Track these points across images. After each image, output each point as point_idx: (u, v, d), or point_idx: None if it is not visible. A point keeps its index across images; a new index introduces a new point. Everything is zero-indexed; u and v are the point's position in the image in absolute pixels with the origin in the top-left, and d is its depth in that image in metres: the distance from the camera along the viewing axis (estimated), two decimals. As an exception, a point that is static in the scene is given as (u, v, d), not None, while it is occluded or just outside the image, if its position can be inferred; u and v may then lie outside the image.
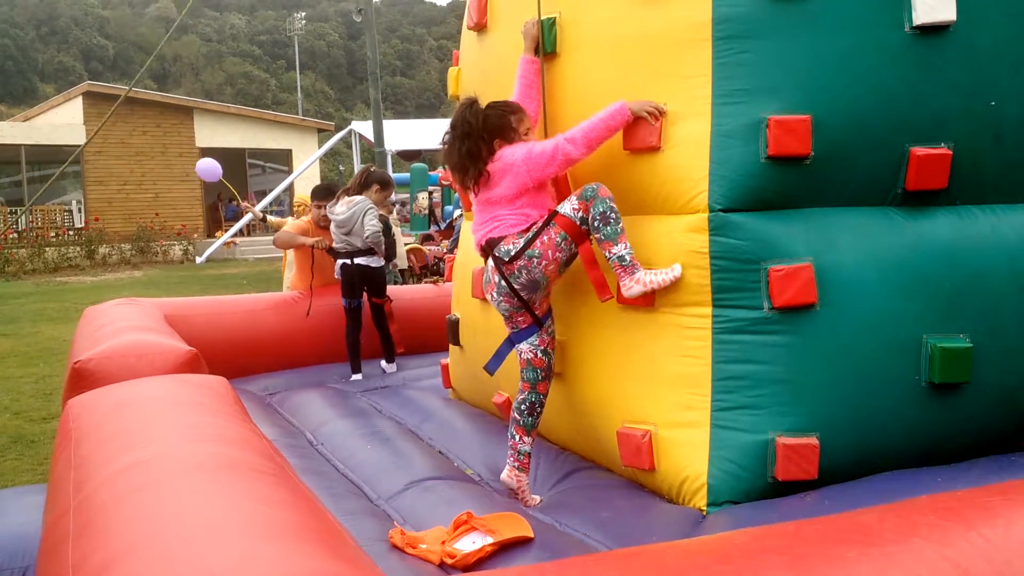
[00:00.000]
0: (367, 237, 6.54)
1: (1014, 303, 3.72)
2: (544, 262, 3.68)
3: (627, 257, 3.58)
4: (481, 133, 3.76)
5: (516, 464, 3.85)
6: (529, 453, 3.88)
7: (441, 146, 3.97)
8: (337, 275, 6.82)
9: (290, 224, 7.82)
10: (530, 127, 3.89)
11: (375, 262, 6.73)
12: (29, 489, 4.48)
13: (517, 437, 3.88)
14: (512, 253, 3.70)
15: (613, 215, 3.60)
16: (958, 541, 2.10)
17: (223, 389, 3.47)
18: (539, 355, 3.86)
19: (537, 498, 3.82)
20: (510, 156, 3.72)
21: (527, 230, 3.72)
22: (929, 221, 3.65)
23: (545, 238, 3.67)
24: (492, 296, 3.89)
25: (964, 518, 2.22)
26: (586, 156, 3.66)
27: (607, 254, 3.61)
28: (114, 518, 2.12)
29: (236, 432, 2.81)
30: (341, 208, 6.60)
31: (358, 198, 6.66)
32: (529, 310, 3.81)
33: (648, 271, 3.57)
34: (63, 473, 2.69)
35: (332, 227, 6.70)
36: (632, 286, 3.57)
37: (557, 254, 3.68)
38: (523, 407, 3.88)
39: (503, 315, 3.91)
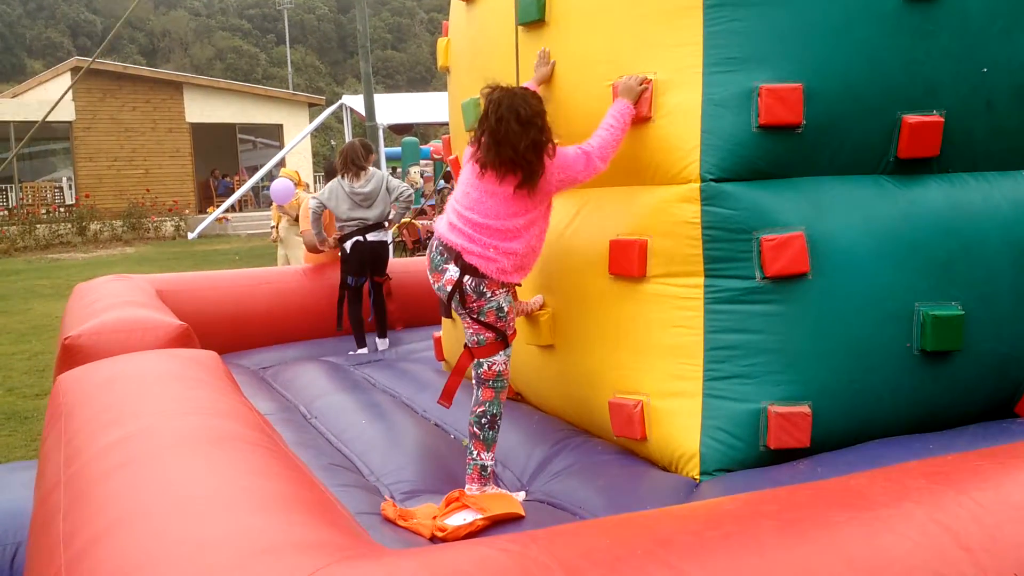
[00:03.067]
0: (404, 196, 6.76)
1: (1006, 271, 3.72)
2: (474, 322, 3.61)
3: (487, 469, 3.59)
4: (539, 116, 3.46)
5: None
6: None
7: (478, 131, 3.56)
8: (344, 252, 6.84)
9: (303, 209, 7.82)
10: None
11: (384, 236, 6.80)
12: (22, 465, 4.48)
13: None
14: (482, 296, 3.54)
15: (499, 423, 3.64)
16: (949, 504, 2.11)
17: (214, 363, 3.46)
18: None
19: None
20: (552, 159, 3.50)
21: (507, 287, 3.58)
22: (921, 189, 3.64)
23: (485, 327, 3.59)
24: (434, 282, 3.66)
25: (955, 482, 2.23)
26: (606, 162, 3.56)
27: (473, 454, 3.59)
28: (104, 492, 2.12)
29: (227, 405, 2.81)
30: (362, 184, 6.65)
31: (372, 169, 6.78)
32: (496, 329, 3.62)
33: (491, 489, 3.56)
34: (53, 448, 2.69)
35: (344, 208, 6.67)
36: (470, 489, 3.55)
37: (472, 330, 3.63)
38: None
39: (462, 320, 3.70)
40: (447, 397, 3.79)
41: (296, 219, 10.39)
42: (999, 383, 3.80)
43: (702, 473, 3.39)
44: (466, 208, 3.55)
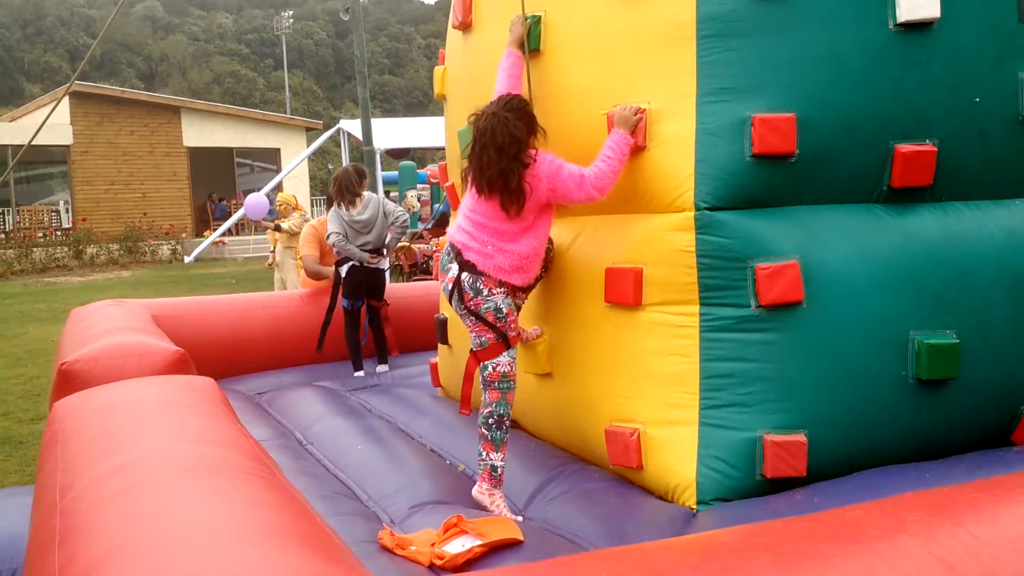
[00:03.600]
0: (400, 222, 6.82)
1: (1001, 300, 3.73)
2: (476, 322, 3.76)
3: (498, 469, 3.71)
4: (514, 145, 3.63)
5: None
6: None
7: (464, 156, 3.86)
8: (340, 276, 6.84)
9: (305, 233, 7.83)
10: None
11: (383, 264, 6.82)
12: (17, 490, 4.46)
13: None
14: (479, 294, 3.70)
15: (507, 423, 3.75)
16: (945, 537, 2.11)
17: (210, 390, 3.46)
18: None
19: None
20: (536, 167, 3.64)
21: (506, 287, 3.73)
22: (915, 218, 3.66)
23: (487, 326, 3.73)
24: (449, 292, 3.81)
25: (951, 514, 2.23)
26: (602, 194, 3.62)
27: (484, 455, 3.72)
28: (100, 521, 2.11)
29: (223, 433, 2.80)
30: (359, 211, 6.67)
31: (367, 195, 6.80)
32: (496, 330, 3.75)
33: (503, 498, 3.68)
34: (50, 475, 2.68)
35: (340, 239, 6.66)
36: (483, 496, 3.69)
37: (474, 333, 3.79)
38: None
39: (464, 322, 3.85)
40: (466, 405, 3.96)
41: (293, 236, 10.41)
42: (995, 411, 3.80)
43: (699, 502, 3.38)
44: (470, 209, 3.78)
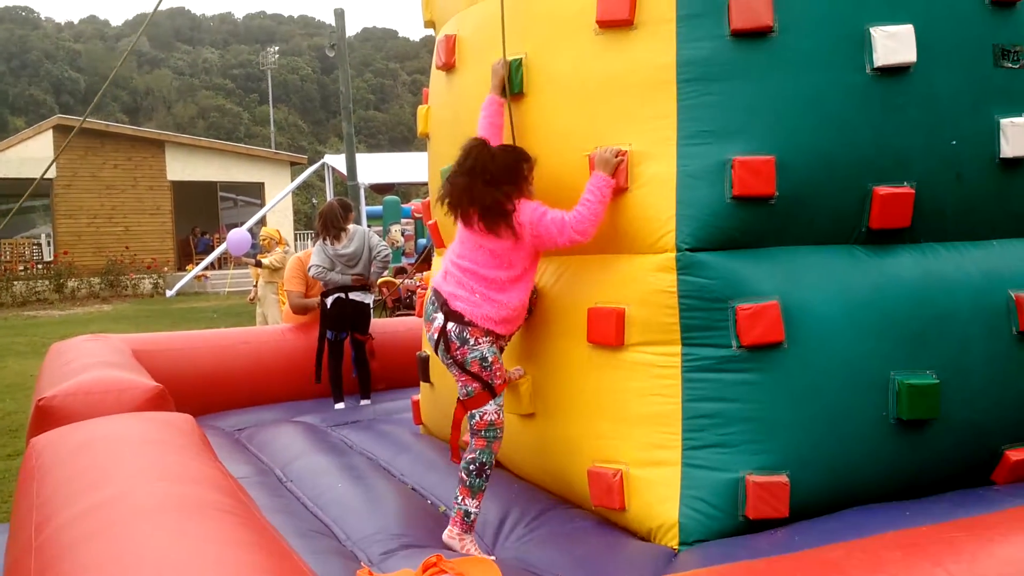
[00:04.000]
0: (382, 256, 6.87)
1: (979, 339, 3.76)
2: (460, 371, 3.74)
3: (471, 516, 3.68)
4: (502, 176, 3.65)
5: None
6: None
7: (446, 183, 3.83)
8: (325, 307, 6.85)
9: (290, 267, 7.84)
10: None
11: (367, 298, 6.84)
12: (-8, 529, 4.40)
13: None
14: (465, 343, 3.66)
15: (488, 472, 3.72)
16: (924, 578, 2.11)
17: (188, 427, 3.44)
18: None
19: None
20: (519, 215, 3.64)
21: (492, 335, 3.70)
22: (894, 259, 3.69)
23: (472, 378, 3.71)
24: (427, 333, 3.82)
25: (930, 554, 2.24)
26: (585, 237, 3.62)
27: (459, 500, 3.68)
28: (76, 560, 2.09)
29: (200, 471, 2.78)
30: (344, 244, 6.73)
31: (352, 228, 6.86)
32: (482, 380, 3.72)
33: (473, 543, 3.64)
34: (26, 513, 2.66)
35: (320, 270, 6.72)
36: (454, 540, 3.65)
37: (460, 382, 3.77)
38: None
39: (450, 372, 3.81)
40: (456, 455, 3.95)
41: (275, 271, 10.40)
42: (975, 451, 3.82)
43: (681, 543, 3.37)
44: (458, 256, 3.75)
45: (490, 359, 3.69)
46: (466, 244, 3.74)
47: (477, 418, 3.72)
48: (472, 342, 3.65)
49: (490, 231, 3.63)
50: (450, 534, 3.68)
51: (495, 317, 3.66)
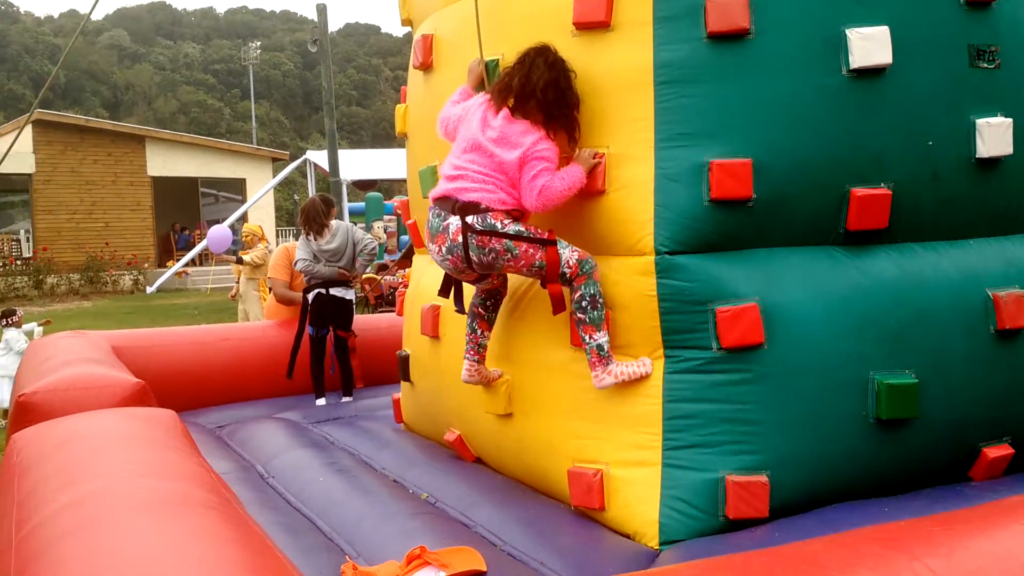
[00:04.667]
0: (368, 250, 6.87)
1: (958, 339, 3.79)
2: (513, 263, 3.55)
3: (605, 347, 3.52)
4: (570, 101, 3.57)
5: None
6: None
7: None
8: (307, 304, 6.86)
9: (276, 256, 7.83)
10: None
11: (348, 294, 6.85)
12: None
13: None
14: (493, 229, 3.48)
15: (601, 300, 3.52)
16: (902, 571, 2.14)
17: (171, 422, 3.44)
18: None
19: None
20: (531, 136, 3.53)
21: (514, 215, 3.53)
22: (872, 260, 3.72)
23: (530, 251, 3.51)
24: (438, 250, 3.61)
25: (908, 548, 2.26)
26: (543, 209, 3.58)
27: (587, 339, 3.51)
28: (57, 557, 2.09)
29: (183, 467, 2.78)
30: (327, 240, 6.74)
31: (335, 223, 6.86)
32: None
33: (621, 363, 3.51)
34: (6, 509, 2.66)
35: (307, 263, 6.73)
36: (604, 378, 3.50)
37: (525, 270, 3.58)
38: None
39: (484, 272, 3.65)
40: (560, 308, 3.65)
41: (255, 268, 10.39)
42: (953, 449, 3.85)
43: (661, 544, 3.38)
44: (464, 161, 3.59)
45: (524, 228, 3.54)
46: (474, 148, 3.59)
47: (567, 270, 3.51)
48: (500, 225, 3.49)
49: (532, 111, 3.53)
50: (597, 377, 3.52)
51: (510, 201, 3.54)
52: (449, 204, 3.54)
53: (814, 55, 3.52)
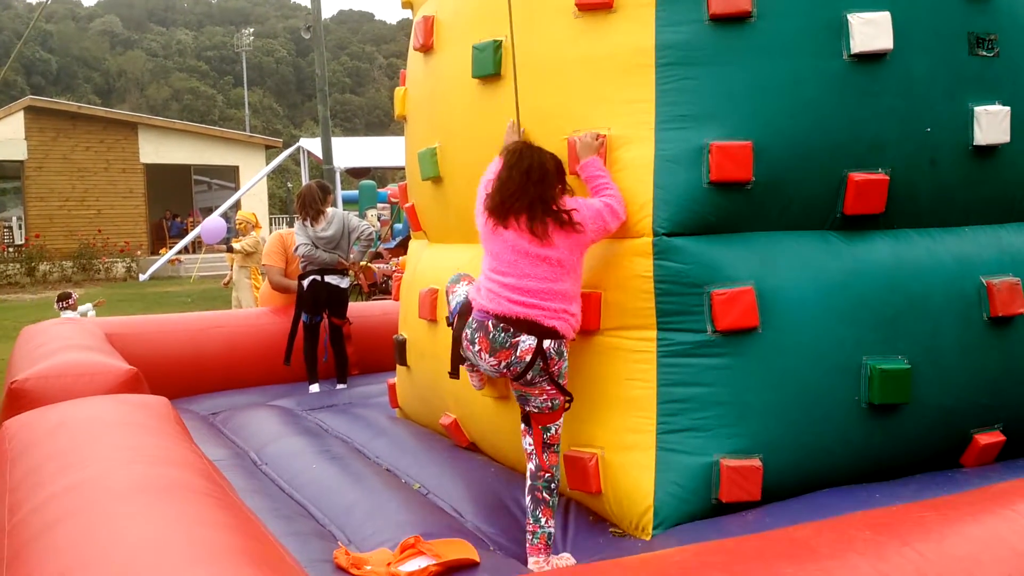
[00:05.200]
0: (366, 235, 6.90)
1: (951, 325, 3.80)
2: (540, 390, 3.39)
3: (551, 537, 3.41)
4: (551, 179, 3.42)
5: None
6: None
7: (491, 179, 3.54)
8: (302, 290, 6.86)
9: (270, 243, 7.80)
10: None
11: (343, 282, 6.84)
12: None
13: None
14: (562, 356, 3.39)
15: (557, 487, 3.47)
16: (893, 556, 2.15)
17: (163, 409, 3.43)
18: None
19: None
20: (580, 210, 3.39)
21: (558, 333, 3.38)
22: (868, 245, 3.72)
23: (555, 392, 3.42)
24: (497, 363, 3.40)
25: (899, 533, 2.27)
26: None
27: (543, 522, 3.38)
28: (49, 542, 2.08)
29: (175, 453, 2.78)
30: (323, 227, 6.74)
31: (331, 211, 6.87)
32: (563, 391, 3.44)
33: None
34: (-3, 496, 2.64)
35: (308, 248, 6.72)
36: (544, 565, 3.33)
37: (540, 399, 3.42)
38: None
39: (529, 390, 3.46)
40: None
41: (248, 256, 10.37)
42: (945, 434, 3.87)
43: (655, 526, 3.39)
44: (520, 278, 3.38)
45: (565, 369, 3.47)
46: (519, 261, 3.38)
47: (553, 431, 3.46)
48: (564, 354, 3.41)
49: (546, 236, 3.33)
50: (538, 563, 3.37)
51: (575, 327, 3.44)
52: (523, 324, 3.35)
53: (815, 39, 3.53)
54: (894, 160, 3.68)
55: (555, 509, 3.45)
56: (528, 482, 3.47)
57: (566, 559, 3.42)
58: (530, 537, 3.40)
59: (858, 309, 3.62)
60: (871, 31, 3.51)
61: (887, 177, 3.64)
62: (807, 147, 3.54)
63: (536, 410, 3.45)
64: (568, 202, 3.42)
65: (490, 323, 3.38)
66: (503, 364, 3.37)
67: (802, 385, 3.53)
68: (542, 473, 3.44)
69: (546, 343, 3.33)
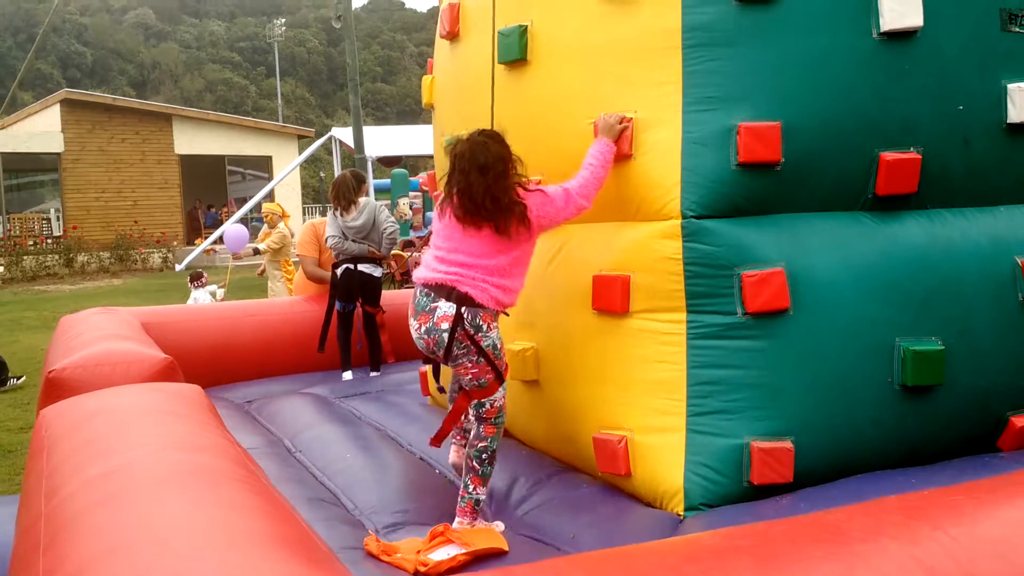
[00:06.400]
0: (389, 234, 6.87)
1: (985, 306, 3.76)
2: (467, 365, 3.55)
3: (481, 504, 3.61)
4: (499, 161, 3.52)
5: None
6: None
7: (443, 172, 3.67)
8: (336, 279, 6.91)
9: (302, 233, 7.87)
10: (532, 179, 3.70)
11: (376, 271, 6.87)
12: (5, 500, 4.45)
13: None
14: (479, 330, 3.49)
15: (495, 460, 3.64)
16: (925, 540, 2.13)
17: (197, 397, 3.47)
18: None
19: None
20: (530, 203, 3.51)
21: (494, 317, 3.55)
22: (900, 225, 3.68)
23: (485, 369, 3.54)
24: (418, 327, 3.58)
25: (931, 517, 2.25)
26: (590, 201, 3.59)
27: (471, 489, 3.57)
28: (86, 526, 2.12)
29: (209, 440, 2.81)
30: (353, 217, 6.76)
31: (363, 200, 6.88)
32: (495, 368, 3.57)
33: (466, 529, 3.50)
34: (35, 482, 2.69)
35: (337, 240, 6.77)
36: (463, 523, 3.54)
37: (469, 376, 3.57)
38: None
39: (458, 363, 3.59)
40: (438, 440, 3.75)
41: (277, 252, 10.45)
42: (980, 417, 3.83)
43: (686, 509, 3.39)
44: (450, 251, 3.56)
45: (499, 345, 3.59)
46: (454, 235, 3.56)
47: (488, 406, 3.60)
48: (485, 328, 3.50)
49: (505, 230, 3.47)
50: (461, 524, 3.55)
51: (503, 300, 3.54)
52: (444, 291, 3.51)
53: (844, 17, 3.48)
54: (926, 139, 3.63)
55: (485, 479, 3.62)
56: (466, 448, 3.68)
57: (498, 527, 3.57)
58: (459, 500, 3.61)
59: (891, 290, 3.58)
60: (900, 8, 3.47)
61: (919, 156, 3.60)
62: (837, 127, 3.50)
63: (468, 387, 3.62)
64: (524, 193, 3.52)
65: (418, 290, 3.62)
66: (423, 329, 3.56)
67: (834, 367, 3.50)
68: (476, 443, 3.63)
69: (463, 310, 3.47)
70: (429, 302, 3.54)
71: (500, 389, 3.62)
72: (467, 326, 3.47)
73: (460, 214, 3.53)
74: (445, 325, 3.48)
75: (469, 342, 3.49)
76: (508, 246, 3.52)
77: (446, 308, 3.48)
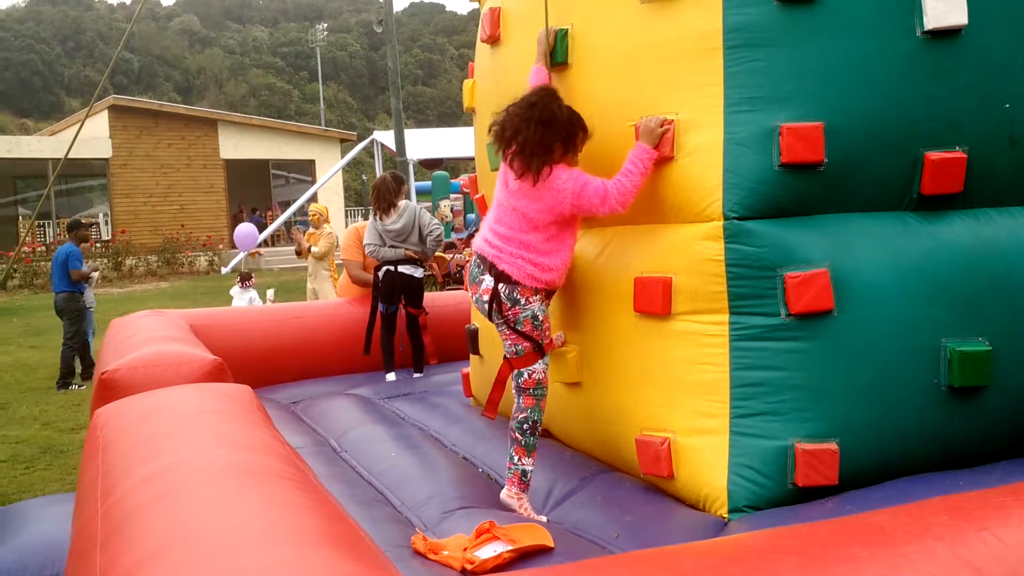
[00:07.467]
0: (435, 236, 6.94)
1: (1034, 306, 3.71)
2: (507, 333, 3.87)
3: (528, 475, 3.81)
4: (560, 130, 3.70)
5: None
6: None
7: (499, 116, 3.85)
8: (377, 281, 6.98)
9: (346, 238, 7.97)
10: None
11: (417, 272, 6.92)
12: (59, 498, 4.57)
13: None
14: (516, 303, 3.77)
15: (539, 430, 3.83)
16: (971, 541, 2.11)
17: (247, 397, 3.52)
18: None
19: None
20: (561, 180, 3.69)
21: (534, 292, 3.78)
22: (945, 225, 3.65)
23: (523, 340, 3.81)
24: (474, 295, 3.91)
25: (977, 518, 2.23)
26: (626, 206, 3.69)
27: (516, 460, 3.80)
28: (141, 523, 2.17)
29: (260, 439, 2.86)
30: (392, 220, 6.82)
31: (403, 203, 6.93)
32: (532, 339, 3.82)
33: (528, 504, 3.78)
34: (91, 480, 2.75)
35: (373, 248, 6.85)
36: (511, 500, 3.79)
37: (508, 342, 3.87)
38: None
39: (500, 332, 3.91)
40: (491, 409, 4.07)
41: (322, 256, 10.59)
42: (1028, 419, 3.77)
43: (730, 511, 3.38)
44: (495, 222, 3.85)
45: (540, 317, 3.79)
46: (502, 208, 3.83)
47: (526, 376, 3.82)
48: (523, 302, 3.75)
49: (523, 171, 3.68)
50: (508, 494, 3.79)
51: (540, 277, 3.74)
52: (487, 264, 3.83)
53: (887, 16, 3.45)
54: (972, 138, 3.59)
55: (529, 449, 3.80)
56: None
57: (542, 520, 3.68)
58: (507, 471, 3.84)
59: (936, 290, 3.55)
60: (944, 7, 3.43)
61: (965, 155, 3.56)
62: (881, 127, 3.47)
63: (507, 354, 3.87)
64: (561, 169, 3.68)
65: (474, 258, 3.94)
66: (474, 297, 3.91)
67: (879, 368, 3.47)
68: (517, 414, 3.85)
69: (500, 286, 3.77)
70: (479, 273, 3.87)
71: (539, 362, 3.83)
72: (504, 300, 3.76)
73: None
74: (486, 297, 3.82)
75: (507, 313, 3.78)
76: (544, 223, 3.73)
77: (488, 282, 3.82)
